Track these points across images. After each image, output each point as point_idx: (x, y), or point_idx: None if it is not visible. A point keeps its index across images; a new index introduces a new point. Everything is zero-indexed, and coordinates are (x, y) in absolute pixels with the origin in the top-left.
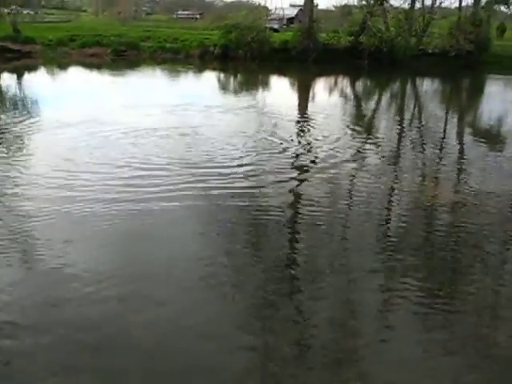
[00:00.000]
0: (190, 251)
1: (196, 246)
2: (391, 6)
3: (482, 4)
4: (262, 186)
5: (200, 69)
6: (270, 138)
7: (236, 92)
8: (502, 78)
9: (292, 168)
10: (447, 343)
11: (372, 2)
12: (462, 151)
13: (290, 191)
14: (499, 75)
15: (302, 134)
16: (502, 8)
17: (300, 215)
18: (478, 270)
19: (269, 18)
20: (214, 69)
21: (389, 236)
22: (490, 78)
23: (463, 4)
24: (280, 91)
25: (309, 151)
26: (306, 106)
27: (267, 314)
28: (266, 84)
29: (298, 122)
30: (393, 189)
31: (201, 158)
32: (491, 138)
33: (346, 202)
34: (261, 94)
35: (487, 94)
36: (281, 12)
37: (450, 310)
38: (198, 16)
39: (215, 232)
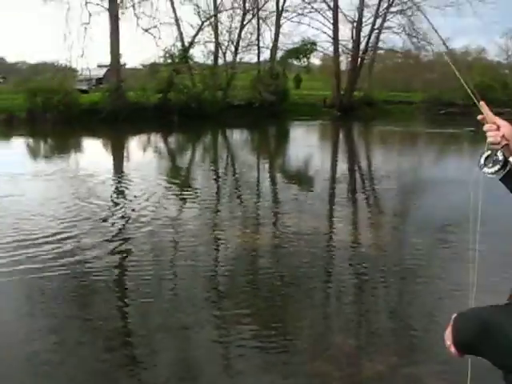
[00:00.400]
0: (10, 335)
1: (16, 328)
2: (196, 62)
3: (278, 59)
4: (86, 261)
5: (6, 135)
6: (86, 203)
7: (46, 157)
8: (302, 124)
9: (115, 234)
10: (283, 380)
11: (177, 59)
12: (275, 195)
13: (116, 259)
14: (299, 121)
15: (119, 196)
16: (295, 62)
17: (128, 280)
18: (304, 306)
19: (76, 79)
20: (21, 135)
21: (217, 285)
22: (292, 125)
23: (261, 59)
24: (93, 153)
25: (131, 211)
26: (122, 166)
27: None
28: (77, 147)
29: (115, 182)
30: (215, 239)
31: (10, 235)
32: (300, 180)
33: (173, 258)
34: (73, 157)
35: (292, 139)
36: (88, 73)
37: (284, 349)
38: (0, 80)
39: (37, 312)
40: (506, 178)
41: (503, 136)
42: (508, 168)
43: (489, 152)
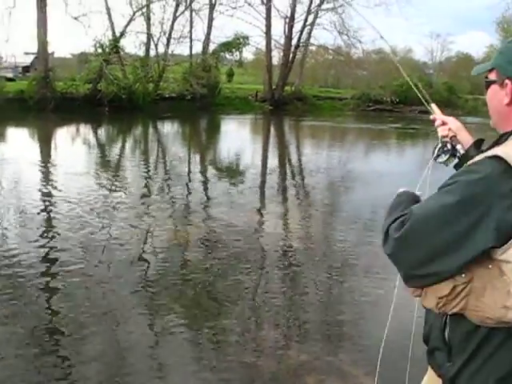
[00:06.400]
0: None
1: None
2: (127, 53)
3: (210, 52)
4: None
5: None
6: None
7: None
8: (233, 117)
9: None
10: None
11: (107, 50)
12: (206, 188)
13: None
14: (231, 115)
15: (45, 191)
16: (227, 55)
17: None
18: (235, 299)
19: (1, 66)
20: None
21: (148, 279)
22: (223, 119)
23: (194, 51)
24: (19, 144)
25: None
26: (49, 157)
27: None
28: (1, 137)
29: (39, 174)
30: (146, 232)
31: None
32: (232, 173)
33: (100, 253)
34: None
35: (224, 133)
36: (13, 60)
37: (216, 342)
38: None
39: None
40: (458, 166)
41: (450, 129)
42: (458, 155)
43: (440, 144)
